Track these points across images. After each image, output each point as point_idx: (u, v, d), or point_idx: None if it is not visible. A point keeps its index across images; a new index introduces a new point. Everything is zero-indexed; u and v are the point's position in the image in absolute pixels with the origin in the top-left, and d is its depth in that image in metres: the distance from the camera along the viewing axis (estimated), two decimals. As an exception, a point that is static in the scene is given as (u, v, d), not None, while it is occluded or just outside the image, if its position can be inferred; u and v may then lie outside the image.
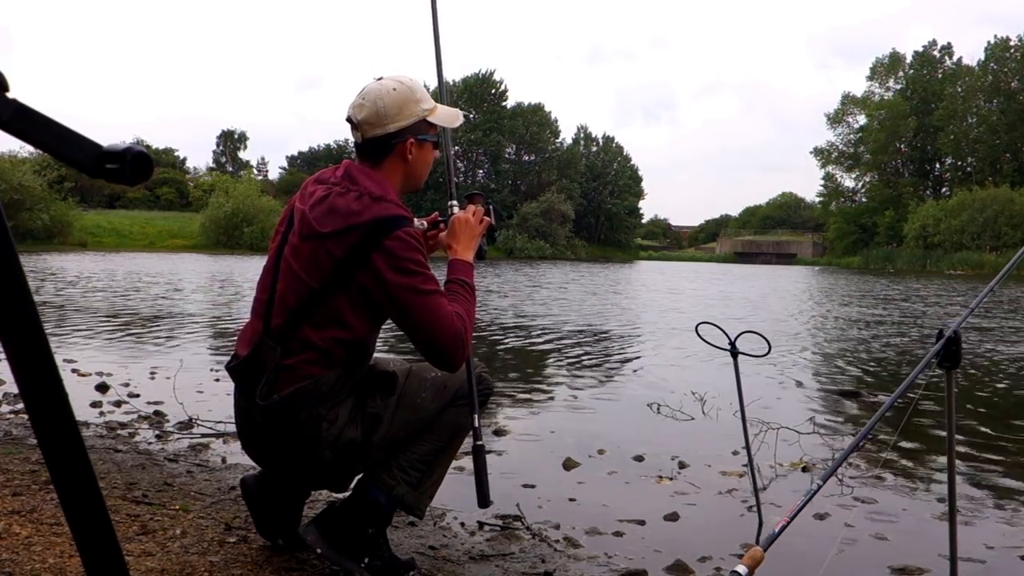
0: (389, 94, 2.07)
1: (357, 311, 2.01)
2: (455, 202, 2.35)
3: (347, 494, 2.26)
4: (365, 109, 2.06)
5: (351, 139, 2.17)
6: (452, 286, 2.14)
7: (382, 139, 2.08)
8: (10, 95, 0.60)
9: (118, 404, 4.65)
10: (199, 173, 73.67)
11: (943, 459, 3.81)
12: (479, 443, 2.19)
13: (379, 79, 2.12)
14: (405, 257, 1.96)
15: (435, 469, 2.24)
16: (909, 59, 70.50)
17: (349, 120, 2.11)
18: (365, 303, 2.00)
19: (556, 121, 74.32)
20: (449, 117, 2.21)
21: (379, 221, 1.97)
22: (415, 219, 2.10)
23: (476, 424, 2.21)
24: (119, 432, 4.05)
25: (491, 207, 2.34)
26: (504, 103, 71.93)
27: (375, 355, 2.25)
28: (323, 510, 2.22)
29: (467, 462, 3.70)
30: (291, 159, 79.07)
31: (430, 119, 2.14)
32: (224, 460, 3.56)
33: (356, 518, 2.16)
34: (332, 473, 2.16)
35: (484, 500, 2.17)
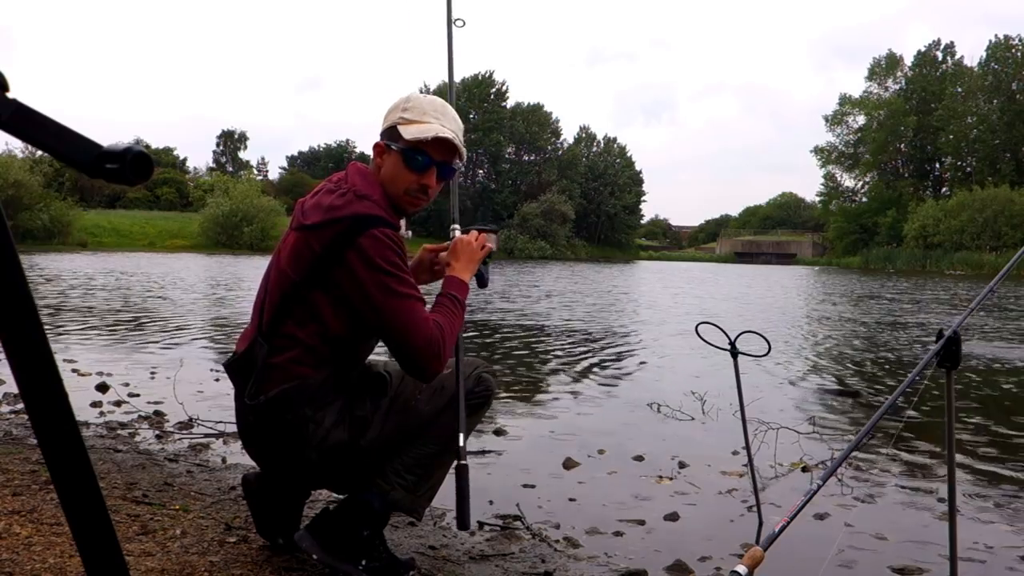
0: (393, 102, 2.13)
1: (336, 309, 2.01)
2: (457, 226, 2.36)
3: (343, 496, 2.26)
4: None
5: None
6: (441, 299, 2.14)
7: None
8: (10, 95, 0.60)
9: (118, 404, 4.65)
10: (199, 173, 73.76)
11: (943, 459, 3.81)
12: (463, 463, 2.08)
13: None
14: (379, 255, 1.95)
15: (433, 472, 2.20)
16: (909, 59, 70.60)
17: None
18: (343, 302, 2.00)
19: (557, 121, 74.44)
20: (415, 130, 2.05)
21: (356, 218, 1.97)
22: (403, 227, 2.10)
23: (462, 443, 2.09)
24: (119, 432, 4.05)
25: (494, 235, 2.35)
26: (504, 103, 72.00)
27: (372, 357, 2.25)
28: (317, 515, 2.21)
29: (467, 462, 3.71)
30: (291, 159, 79.24)
31: (400, 128, 2.06)
32: (224, 460, 3.56)
33: (350, 521, 2.15)
34: (323, 474, 2.15)
35: (464, 523, 2.10)
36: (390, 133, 2.09)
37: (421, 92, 2.21)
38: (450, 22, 2.52)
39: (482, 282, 2.32)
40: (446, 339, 2.02)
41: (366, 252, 1.94)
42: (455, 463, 2.12)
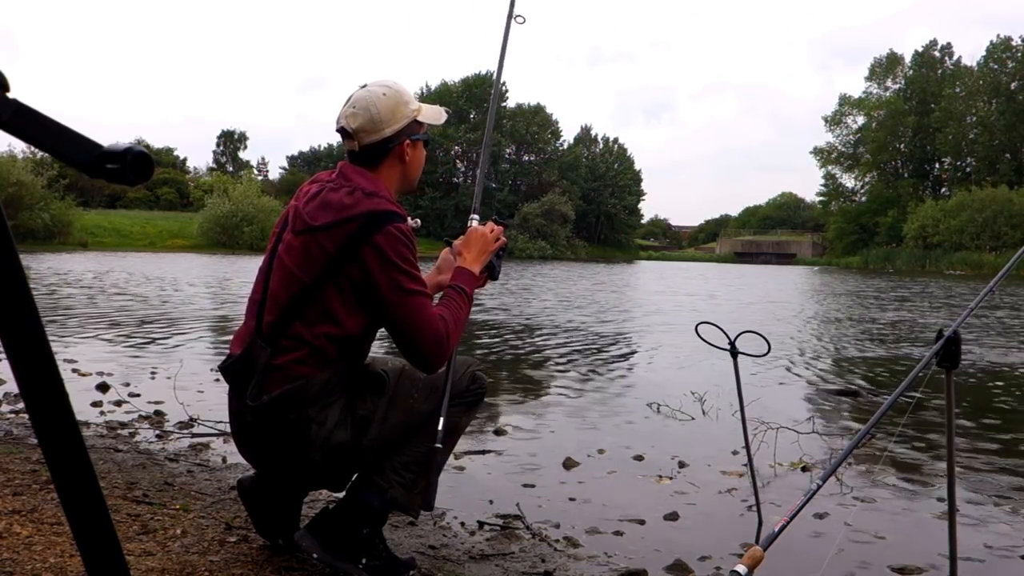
0: (380, 99, 2.09)
1: (348, 306, 2.02)
2: (476, 216, 2.39)
3: (342, 495, 2.26)
4: (359, 118, 2.08)
5: None
6: (449, 291, 2.17)
7: (379, 144, 2.10)
8: (11, 95, 0.60)
9: (118, 404, 4.65)
10: (199, 173, 73.76)
11: (943, 459, 3.82)
12: (436, 445, 2.11)
13: (363, 86, 2.14)
14: (394, 252, 1.98)
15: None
16: (908, 60, 70.58)
17: (342, 130, 2.12)
18: (356, 298, 2.01)
19: (557, 122, 74.44)
20: (435, 114, 2.23)
21: (371, 215, 1.99)
22: (409, 217, 2.11)
23: (440, 427, 2.12)
24: (119, 432, 4.05)
25: (506, 235, 2.38)
26: (504, 103, 71.98)
27: (370, 355, 2.25)
28: (317, 514, 2.21)
29: (466, 462, 3.71)
30: (291, 159, 79.12)
31: (419, 118, 2.17)
32: (224, 460, 3.57)
33: (350, 520, 2.16)
34: (324, 474, 2.16)
35: (428, 504, 2.16)
36: (411, 128, 2.14)
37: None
38: (510, 17, 2.71)
39: (493, 274, 2.33)
40: (451, 334, 2.05)
41: (382, 249, 1.97)
42: (431, 446, 2.13)
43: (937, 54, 70.17)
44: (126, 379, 5.50)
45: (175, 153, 72.80)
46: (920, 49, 70.43)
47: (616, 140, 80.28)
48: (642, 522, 3.02)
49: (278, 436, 2.05)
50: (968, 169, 65.71)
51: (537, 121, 72.03)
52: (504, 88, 71.77)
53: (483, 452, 3.93)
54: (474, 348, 7.97)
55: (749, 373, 6.18)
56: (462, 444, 2.63)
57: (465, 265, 2.24)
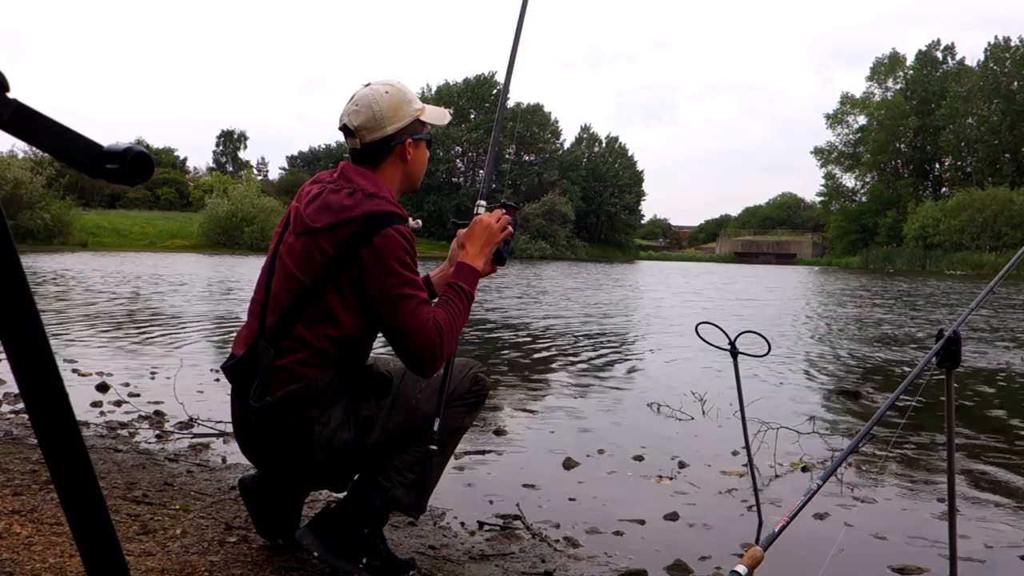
0: (383, 97, 2.08)
1: (349, 308, 2.02)
2: (483, 202, 2.34)
3: (343, 495, 2.26)
4: (361, 115, 2.08)
5: None
6: (447, 290, 2.15)
7: (380, 142, 2.10)
8: (11, 95, 0.60)
9: (118, 404, 4.65)
10: (199, 173, 73.78)
11: (943, 459, 3.82)
12: (431, 447, 2.12)
13: (367, 85, 2.14)
14: (392, 256, 1.97)
15: (431, 471, 2.22)
16: (910, 60, 70.68)
17: (344, 128, 2.12)
18: (357, 300, 2.01)
19: (557, 122, 74.43)
20: (438, 115, 2.23)
21: (371, 216, 1.98)
22: (410, 218, 2.11)
23: (435, 427, 2.13)
24: (119, 432, 4.05)
25: (516, 221, 2.33)
26: (504, 103, 71.87)
27: (373, 355, 2.25)
28: (318, 513, 2.22)
29: (466, 461, 3.72)
30: (291, 159, 79.16)
31: (422, 118, 2.17)
32: (224, 460, 3.56)
33: (351, 519, 2.16)
34: (327, 474, 2.16)
35: (419, 506, 2.20)
36: (414, 127, 2.14)
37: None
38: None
39: (499, 260, 2.29)
40: (445, 339, 2.03)
41: (380, 252, 1.96)
42: (428, 448, 2.13)
43: (939, 54, 70.23)
44: (126, 379, 5.50)
45: (175, 153, 72.81)
46: (924, 49, 70.58)
47: (617, 140, 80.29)
48: (642, 522, 3.02)
49: (281, 437, 2.05)
50: (969, 169, 65.72)
51: (536, 121, 72.03)
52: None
53: (483, 452, 3.93)
54: (474, 348, 7.97)
55: (749, 373, 6.19)
56: (462, 444, 2.63)
57: (467, 260, 2.21)
